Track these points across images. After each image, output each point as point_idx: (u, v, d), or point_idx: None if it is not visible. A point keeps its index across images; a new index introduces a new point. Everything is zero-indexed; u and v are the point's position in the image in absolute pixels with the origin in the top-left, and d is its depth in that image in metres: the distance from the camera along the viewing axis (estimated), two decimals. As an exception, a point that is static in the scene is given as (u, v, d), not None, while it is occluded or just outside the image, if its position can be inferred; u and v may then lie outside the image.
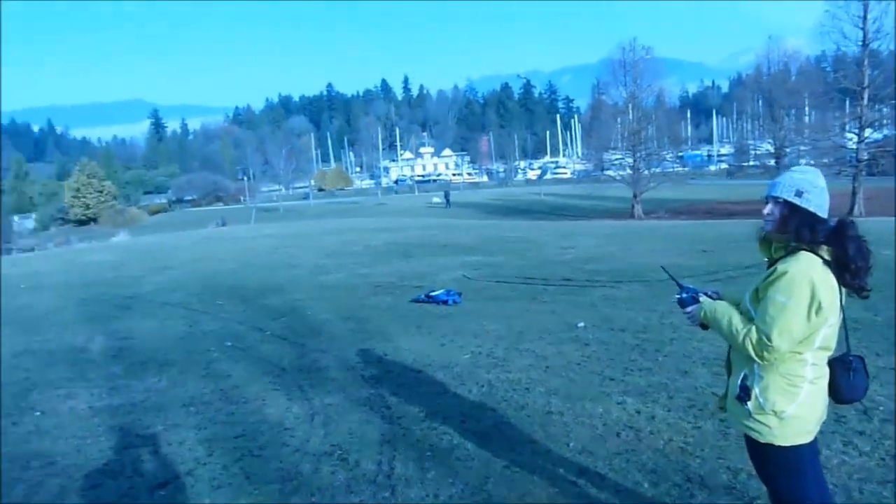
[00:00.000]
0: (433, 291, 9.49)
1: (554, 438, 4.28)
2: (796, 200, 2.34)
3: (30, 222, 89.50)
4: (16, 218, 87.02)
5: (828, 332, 2.34)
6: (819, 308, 2.24)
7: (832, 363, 2.43)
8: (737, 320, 2.40)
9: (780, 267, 2.30)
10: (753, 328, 2.32)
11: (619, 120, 47.27)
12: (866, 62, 32.23)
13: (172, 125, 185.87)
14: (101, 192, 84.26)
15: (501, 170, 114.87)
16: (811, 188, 2.35)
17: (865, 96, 32.58)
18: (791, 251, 2.34)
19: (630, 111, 45.37)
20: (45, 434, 4.93)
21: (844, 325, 2.42)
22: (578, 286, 9.68)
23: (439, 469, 3.96)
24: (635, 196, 42.63)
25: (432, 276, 11.44)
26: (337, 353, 6.69)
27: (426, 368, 5.93)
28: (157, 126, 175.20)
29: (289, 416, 4.96)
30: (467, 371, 5.77)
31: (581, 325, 7.19)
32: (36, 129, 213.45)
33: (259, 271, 13.65)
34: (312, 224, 32.37)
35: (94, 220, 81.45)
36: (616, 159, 47.79)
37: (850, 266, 2.27)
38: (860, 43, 32.15)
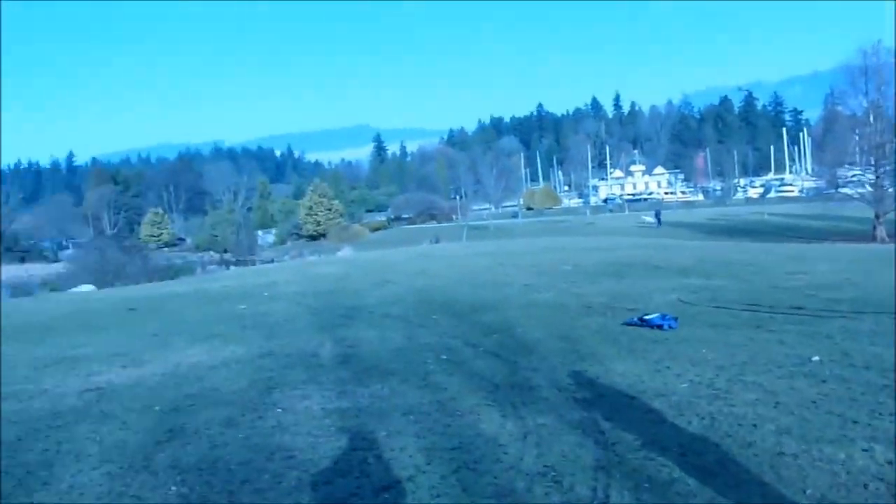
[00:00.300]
0: (647, 315, 9.17)
1: (787, 482, 3.93)
2: None
3: (270, 237, 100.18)
4: (259, 233, 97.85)
5: None
6: None
7: None
8: None
9: None
10: None
11: (857, 132, 42.80)
12: None
13: (393, 148, 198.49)
14: (329, 210, 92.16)
15: (718, 188, 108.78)
16: None
17: None
18: None
19: (872, 122, 40.87)
20: (285, 430, 5.44)
21: None
22: (811, 316, 8.83)
23: (658, 502, 3.80)
24: (877, 216, 38.26)
25: (645, 298, 11.06)
26: (548, 372, 6.69)
27: (640, 395, 5.73)
28: (380, 149, 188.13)
29: (503, 432, 5.04)
30: (685, 401, 5.49)
31: (816, 358, 6.54)
32: (278, 153, 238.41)
33: (471, 288, 14.07)
34: (522, 242, 32.77)
35: (324, 235, 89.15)
36: (854, 176, 43.20)
37: None
38: None
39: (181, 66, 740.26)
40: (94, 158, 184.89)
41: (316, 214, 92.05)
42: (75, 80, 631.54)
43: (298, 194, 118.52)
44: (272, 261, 62.07)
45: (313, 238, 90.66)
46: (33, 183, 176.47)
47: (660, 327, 8.53)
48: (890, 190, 39.09)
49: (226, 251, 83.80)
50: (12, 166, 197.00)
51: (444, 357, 7.66)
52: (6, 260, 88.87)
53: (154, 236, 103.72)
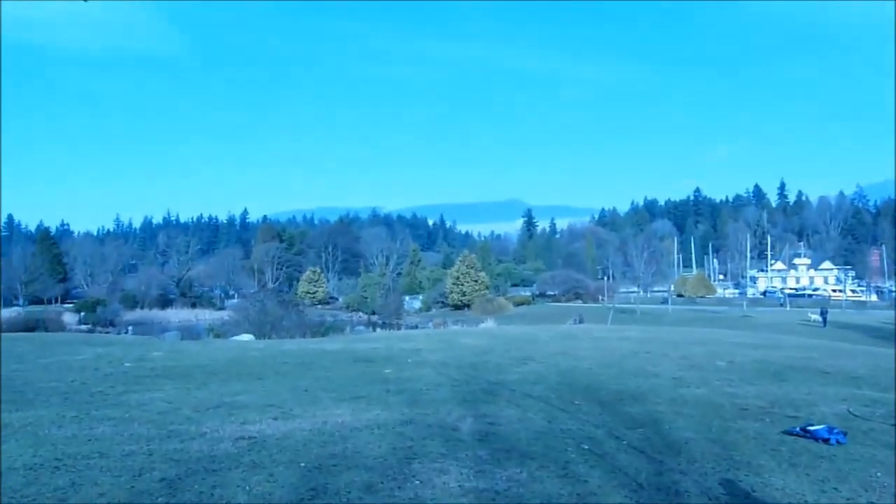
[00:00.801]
0: (811, 425, 8.43)
1: None
2: None
3: (417, 302, 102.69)
4: (406, 297, 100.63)
5: None
6: None
7: None
8: None
9: None
10: None
11: None
12: None
13: (542, 224, 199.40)
14: (476, 281, 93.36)
15: (895, 289, 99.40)
16: None
17: None
18: None
19: None
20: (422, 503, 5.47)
21: None
22: None
23: None
24: None
25: (809, 405, 10.19)
26: (698, 477, 6.28)
27: (804, 515, 5.25)
28: (529, 224, 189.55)
29: (646, 537, 4.77)
30: (857, 530, 4.96)
31: None
32: (431, 222, 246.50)
33: (616, 374, 13.62)
34: (671, 331, 31.40)
35: (468, 305, 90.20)
36: None
37: None
38: None
39: (347, 134, 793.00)
40: (265, 216, 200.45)
41: (462, 284, 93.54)
42: (252, 143, 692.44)
43: (447, 263, 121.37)
44: (416, 326, 63.48)
45: (458, 307, 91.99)
46: (210, 235, 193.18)
47: (826, 441, 7.81)
48: None
49: (373, 313, 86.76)
50: (195, 219, 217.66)
51: (586, 447, 7.41)
52: (179, 304, 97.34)
53: (310, 293, 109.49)
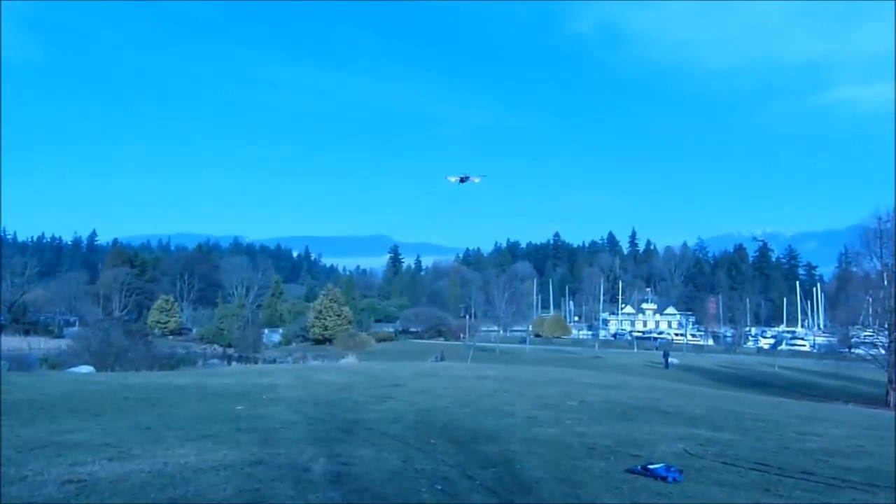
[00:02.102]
0: (651, 464, 8.87)
1: None
2: None
3: (276, 336, 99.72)
4: (266, 331, 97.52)
5: None
6: None
7: None
8: None
9: None
10: None
11: (871, 294, 42.79)
12: None
13: (408, 260, 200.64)
14: (339, 315, 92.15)
15: (729, 334, 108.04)
16: None
17: None
18: None
19: (885, 285, 40.95)
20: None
21: None
22: (822, 483, 8.49)
23: None
24: (891, 382, 37.58)
25: (651, 445, 10.74)
26: (546, 516, 6.41)
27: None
28: (395, 260, 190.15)
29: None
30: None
31: (828, 532, 6.24)
32: (295, 254, 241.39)
33: (473, 413, 13.77)
34: (528, 370, 32.32)
35: (330, 340, 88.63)
36: (867, 337, 42.88)
37: None
38: None
39: (212, 158, 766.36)
40: (115, 239, 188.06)
41: (325, 319, 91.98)
42: (105, 161, 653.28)
43: (311, 296, 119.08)
44: (275, 360, 61.53)
45: (319, 342, 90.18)
46: (52, 257, 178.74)
47: (664, 479, 8.22)
48: (904, 356, 38.61)
49: (230, 345, 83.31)
50: (34, 239, 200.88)
51: (439, 487, 7.38)
52: (10, 331, 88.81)
53: (161, 323, 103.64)
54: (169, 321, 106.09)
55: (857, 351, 41.90)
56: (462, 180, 28.29)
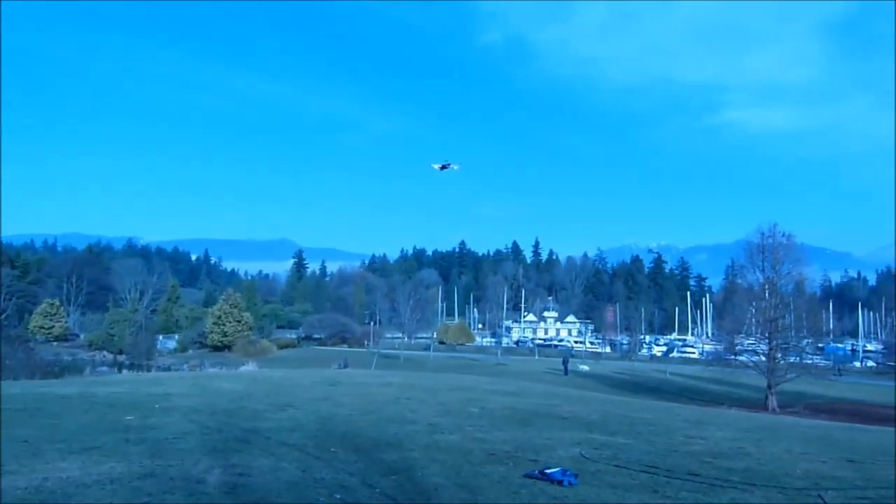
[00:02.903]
0: (548, 468, 9.08)
1: None
2: None
3: (172, 343, 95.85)
4: (160, 337, 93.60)
5: None
6: None
7: None
8: None
9: None
10: None
11: (754, 304, 45.43)
12: None
13: (313, 266, 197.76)
14: (239, 321, 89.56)
15: (625, 342, 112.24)
16: None
17: None
18: None
19: (767, 297, 43.58)
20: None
21: None
22: (707, 484, 8.95)
23: None
24: (770, 387, 39.99)
25: (549, 450, 11.00)
26: (445, 523, 6.45)
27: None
28: (299, 265, 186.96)
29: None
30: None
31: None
32: (193, 257, 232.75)
33: (375, 421, 13.69)
34: (431, 377, 32.45)
35: (229, 347, 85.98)
36: (749, 345, 45.48)
37: None
38: None
39: (102, 154, 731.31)
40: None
41: (224, 325, 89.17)
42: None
43: (209, 302, 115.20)
44: (170, 368, 59.15)
45: (218, 349, 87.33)
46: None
47: (560, 483, 8.44)
48: (782, 362, 41.19)
49: (121, 352, 79.43)
50: None
51: (338, 496, 7.29)
52: None
53: (45, 328, 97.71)
54: (54, 326, 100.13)
55: (740, 358, 44.33)
56: (443, 167, 30.40)
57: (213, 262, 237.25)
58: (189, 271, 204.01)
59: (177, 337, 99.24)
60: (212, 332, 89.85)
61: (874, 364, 75.29)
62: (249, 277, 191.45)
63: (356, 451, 10.18)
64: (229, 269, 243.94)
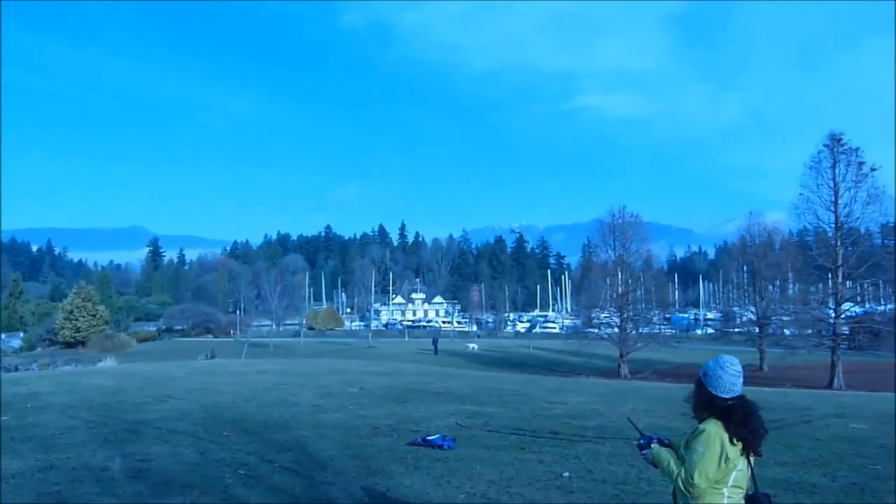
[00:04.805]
0: (429, 436, 10.13)
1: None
2: (702, 380, 3.35)
3: (17, 341, 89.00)
4: (3, 336, 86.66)
5: (739, 475, 3.22)
6: (727, 458, 3.15)
7: (747, 499, 3.27)
8: (673, 463, 3.33)
9: (700, 426, 3.26)
10: (683, 469, 3.22)
11: (608, 280, 48.90)
12: (838, 243, 34.15)
13: (170, 254, 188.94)
14: (94, 315, 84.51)
15: (491, 320, 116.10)
16: (711, 372, 3.34)
17: (840, 274, 34.29)
18: (707, 417, 3.27)
19: (619, 273, 47.09)
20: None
21: (752, 472, 3.29)
22: (565, 440, 10.34)
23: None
24: (622, 356, 43.46)
25: (427, 421, 12.06)
26: (344, 486, 7.30)
27: (426, 505, 6.55)
28: (155, 254, 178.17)
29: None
30: (464, 509, 6.39)
31: (566, 475, 7.85)
32: (34, 248, 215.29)
33: (259, 406, 14.20)
34: (306, 363, 32.82)
35: (83, 343, 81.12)
36: (604, 318, 48.98)
37: (738, 434, 3.19)
38: (832, 225, 34.26)
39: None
40: None
41: (77, 320, 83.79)
42: None
43: (56, 295, 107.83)
44: (17, 368, 55.22)
45: (70, 345, 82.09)
46: None
47: (440, 447, 9.50)
48: (633, 333, 44.88)
49: (-43, 354, 72.98)
50: None
51: (242, 472, 7.94)
52: None
53: None
54: None
55: (595, 331, 47.76)
56: None
57: (57, 252, 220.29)
58: (30, 263, 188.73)
59: (21, 335, 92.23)
60: (63, 327, 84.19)
61: (713, 331, 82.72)
62: (100, 268, 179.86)
63: (247, 433, 10.76)
64: (76, 260, 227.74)
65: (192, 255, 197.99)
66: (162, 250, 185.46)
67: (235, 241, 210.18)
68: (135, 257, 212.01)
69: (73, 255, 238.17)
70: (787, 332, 41.64)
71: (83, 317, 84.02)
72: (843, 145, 33.75)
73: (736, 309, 67.62)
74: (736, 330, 63.77)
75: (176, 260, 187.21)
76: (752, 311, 49.81)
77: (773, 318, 46.06)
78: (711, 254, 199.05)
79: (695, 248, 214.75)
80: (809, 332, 37.19)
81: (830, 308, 35.84)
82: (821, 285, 39.45)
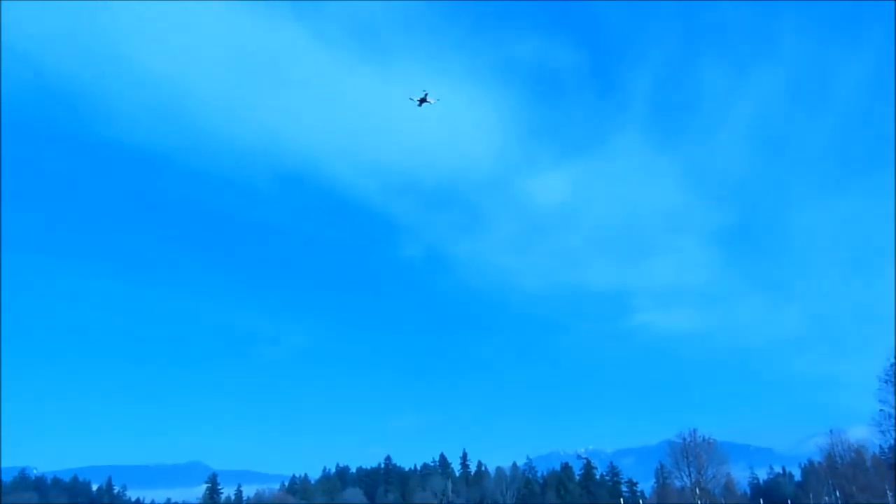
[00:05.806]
0: None
1: None
2: None
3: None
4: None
5: None
6: None
7: None
8: None
9: None
10: None
11: (687, 507, 45.62)
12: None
13: (228, 490, 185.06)
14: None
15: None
16: None
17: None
18: None
19: (697, 498, 44.06)
20: None
21: None
22: None
23: None
24: None
25: None
26: None
27: None
28: (213, 491, 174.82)
29: None
30: None
31: None
32: (94, 487, 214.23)
33: None
34: None
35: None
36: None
37: None
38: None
39: None
40: None
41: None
42: None
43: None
44: None
45: None
46: None
47: None
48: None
49: None
50: None
51: None
52: None
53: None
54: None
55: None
56: (421, 101, 31.86)
57: (115, 491, 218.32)
58: (90, 503, 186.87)
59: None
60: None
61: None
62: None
63: None
64: (134, 499, 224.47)
65: (249, 490, 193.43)
66: (220, 487, 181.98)
67: (294, 476, 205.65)
68: (192, 495, 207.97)
69: (132, 493, 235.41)
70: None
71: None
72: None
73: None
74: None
75: (234, 497, 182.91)
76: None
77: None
78: (797, 474, 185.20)
79: (777, 469, 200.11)
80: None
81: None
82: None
